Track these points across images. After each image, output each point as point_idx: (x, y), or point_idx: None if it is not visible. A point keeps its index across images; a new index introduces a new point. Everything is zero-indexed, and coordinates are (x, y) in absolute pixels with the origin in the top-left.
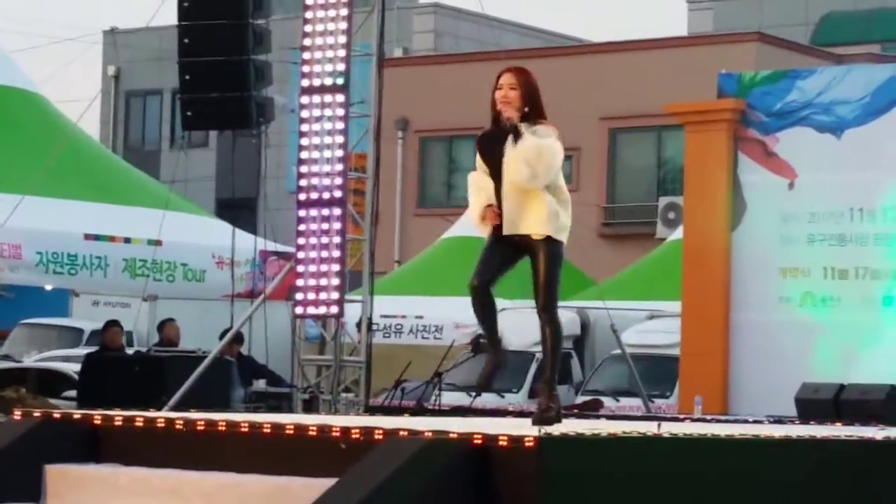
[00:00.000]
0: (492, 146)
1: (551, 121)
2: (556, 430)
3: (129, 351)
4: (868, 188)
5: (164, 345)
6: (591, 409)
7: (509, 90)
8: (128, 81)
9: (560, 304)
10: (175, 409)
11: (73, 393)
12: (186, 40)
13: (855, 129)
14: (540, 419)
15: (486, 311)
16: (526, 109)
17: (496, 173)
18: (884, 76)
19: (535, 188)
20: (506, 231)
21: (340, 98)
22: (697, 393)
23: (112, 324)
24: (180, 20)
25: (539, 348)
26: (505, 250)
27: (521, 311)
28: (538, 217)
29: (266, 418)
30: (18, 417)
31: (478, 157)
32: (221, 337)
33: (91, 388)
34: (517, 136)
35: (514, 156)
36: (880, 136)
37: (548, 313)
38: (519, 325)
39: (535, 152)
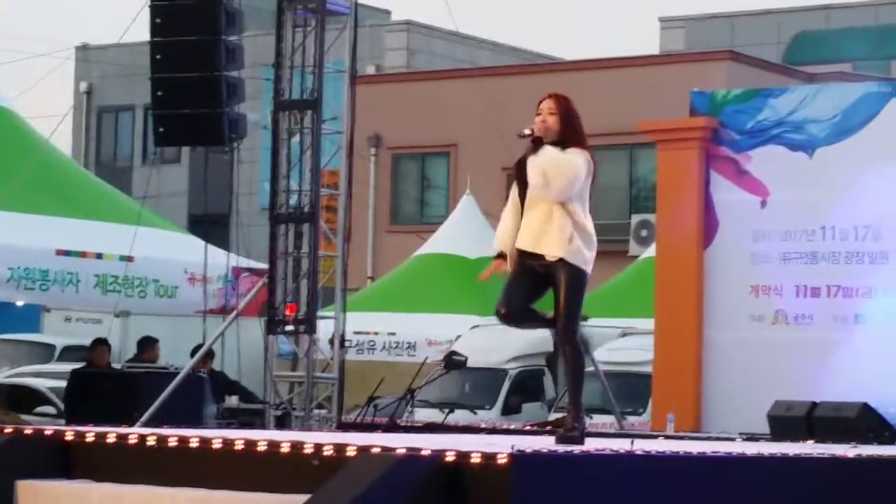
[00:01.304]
0: (522, 167)
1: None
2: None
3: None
4: (840, 206)
5: (142, 363)
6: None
7: (548, 115)
8: (100, 97)
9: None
10: (147, 425)
11: (45, 409)
12: (159, 56)
13: (827, 148)
14: (564, 438)
15: (524, 325)
16: (563, 133)
17: (523, 193)
18: (855, 95)
19: (554, 203)
20: (519, 245)
21: (313, 114)
22: (670, 410)
23: (99, 342)
24: (153, 36)
25: (512, 365)
26: (528, 280)
27: (493, 327)
28: (553, 239)
29: (238, 434)
30: None
31: (514, 185)
32: (193, 353)
33: (76, 403)
34: (538, 146)
35: (535, 165)
36: (852, 155)
37: (566, 337)
38: (491, 342)
39: (553, 163)
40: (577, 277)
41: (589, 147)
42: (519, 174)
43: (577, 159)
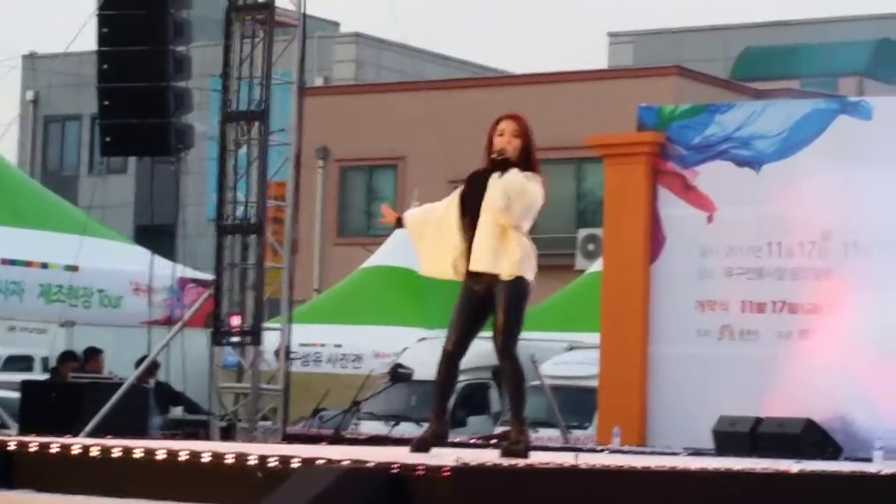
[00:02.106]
0: (478, 183)
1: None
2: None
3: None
4: (786, 222)
5: (87, 373)
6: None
7: (513, 137)
8: (46, 106)
9: (479, 335)
10: (91, 435)
11: None
12: (106, 66)
13: (773, 164)
14: (507, 451)
15: (447, 381)
16: (521, 158)
17: (474, 210)
18: (802, 111)
19: (508, 226)
20: (473, 267)
21: (260, 126)
22: (616, 424)
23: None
24: (100, 45)
25: (459, 378)
26: (473, 307)
27: (440, 340)
28: (511, 259)
29: (183, 445)
30: None
31: (456, 193)
32: (138, 364)
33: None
34: (506, 168)
35: (497, 185)
36: (798, 171)
37: (506, 352)
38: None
39: (518, 188)
40: (520, 295)
41: (540, 171)
42: (472, 188)
43: (539, 190)
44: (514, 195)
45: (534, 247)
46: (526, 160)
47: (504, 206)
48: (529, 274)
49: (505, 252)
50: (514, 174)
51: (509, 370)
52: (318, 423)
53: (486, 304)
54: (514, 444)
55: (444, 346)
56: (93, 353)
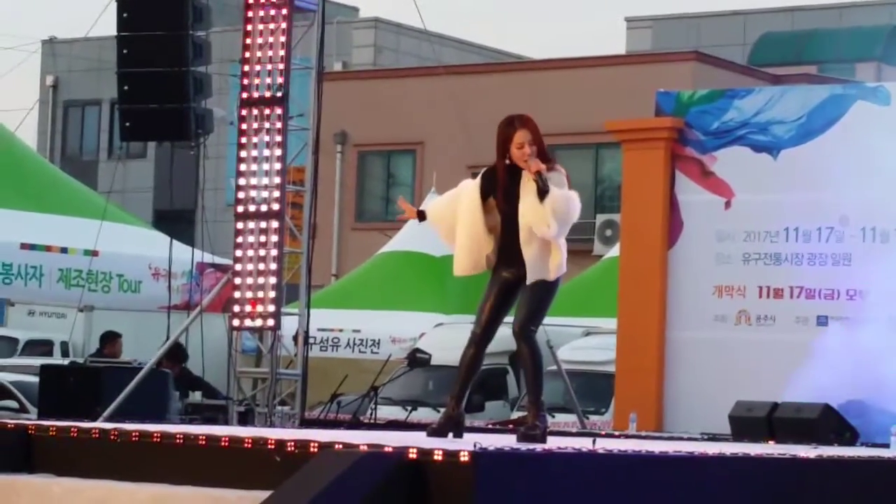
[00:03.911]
0: (493, 182)
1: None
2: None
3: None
4: (803, 208)
5: (104, 357)
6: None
7: (531, 146)
8: (66, 91)
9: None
10: (110, 420)
11: (7, 403)
12: (126, 51)
13: (791, 150)
14: (525, 436)
15: (471, 366)
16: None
17: (506, 216)
18: (820, 97)
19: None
20: (531, 279)
21: (279, 111)
22: (632, 410)
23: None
24: (120, 30)
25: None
26: (504, 292)
27: (457, 325)
28: (554, 264)
29: (201, 430)
30: None
31: (476, 187)
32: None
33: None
34: (545, 193)
35: (543, 211)
36: (816, 157)
37: (526, 335)
38: (455, 339)
39: (564, 209)
40: (554, 290)
41: (555, 160)
42: (491, 186)
43: (576, 196)
44: (562, 217)
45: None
46: (544, 159)
47: (556, 231)
48: (564, 270)
49: (549, 258)
50: (555, 195)
51: (528, 354)
52: (335, 408)
53: (516, 289)
54: (532, 430)
55: (473, 330)
56: (109, 338)
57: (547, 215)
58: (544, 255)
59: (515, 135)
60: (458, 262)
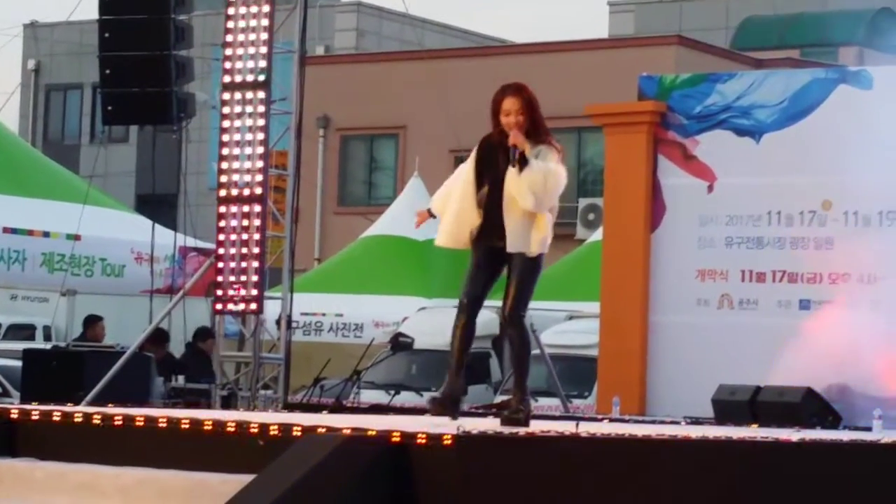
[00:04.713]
0: (495, 159)
1: (469, 120)
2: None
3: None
4: (786, 192)
5: (87, 341)
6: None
7: (518, 115)
8: (48, 75)
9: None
10: (93, 404)
11: None
12: (107, 35)
13: (773, 133)
14: (509, 420)
15: (464, 335)
16: (534, 131)
17: (493, 183)
18: (802, 81)
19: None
20: (510, 249)
21: (262, 95)
22: (615, 393)
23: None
24: (101, 14)
25: None
26: (490, 265)
27: (440, 309)
28: (537, 238)
29: (184, 414)
30: None
31: (472, 160)
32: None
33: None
34: (524, 164)
35: (520, 183)
36: (798, 141)
37: (516, 319)
38: (438, 323)
39: (541, 182)
40: (538, 269)
41: (550, 135)
42: (485, 155)
43: (559, 170)
44: (539, 191)
45: (555, 208)
46: (536, 132)
47: (535, 205)
48: (547, 248)
49: (533, 232)
50: (533, 168)
51: (516, 338)
52: (319, 392)
53: (501, 258)
54: (515, 413)
55: (460, 300)
56: (90, 321)
57: (522, 188)
58: (527, 227)
59: (503, 102)
60: (441, 231)
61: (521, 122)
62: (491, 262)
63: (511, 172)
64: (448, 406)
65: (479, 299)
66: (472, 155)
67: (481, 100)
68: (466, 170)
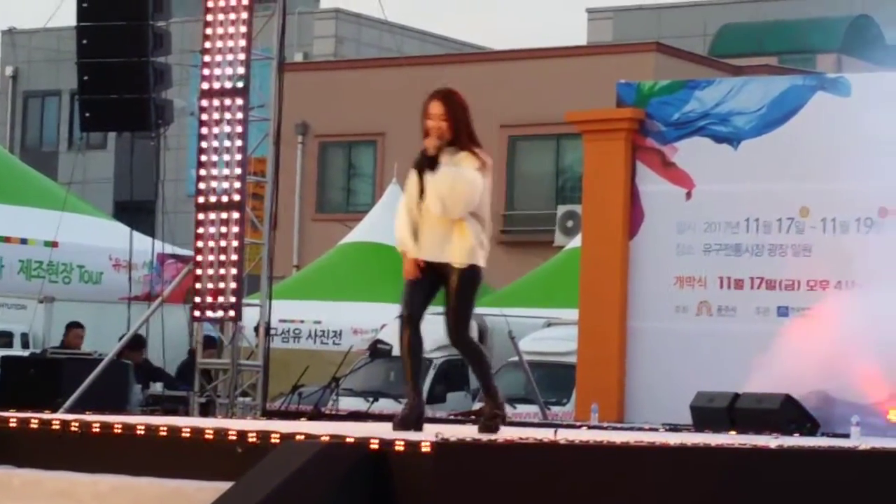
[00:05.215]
0: (419, 171)
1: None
2: (457, 435)
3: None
4: (764, 199)
5: (65, 349)
6: None
7: (440, 121)
8: (26, 82)
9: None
10: (71, 411)
11: None
12: (85, 41)
13: (752, 140)
14: (484, 426)
15: (413, 350)
16: (455, 136)
17: (423, 193)
18: (780, 88)
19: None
20: (425, 257)
21: (240, 101)
22: (594, 400)
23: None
24: (79, 21)
25: (437, 354)
26: (427, 280)
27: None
28: (461, 247)
29: (162, 421)
30: None
31: (412, 177)
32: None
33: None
34: (433, 167)
35: (430, 187)
36: (776, 148)
37: (459, 338)
38: None
39: (447, 186)
40: (472, 281)
41: (478, 145)
42: (419, 167)
43: (470, 175)
44: (446, 195)
45: (487, 228)
46: (457, 138)
47: (441, 210)
48: (481, 261)
49: (454, 241)
50: (441, 173)
51: (468, 353)
52: (297, 400)
53: (437, 278)
54: (491, 419)
55: (401, 315)
56: (69, 328)
57: (430, 192)
58: (445, 236)
59: (429, 106)
60: (395, 231)
61: (442, 127)
62: (427, 274)
63: (427, 178)
64: (411, 424)
65: (420, 312)
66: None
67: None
68: (411, 173)
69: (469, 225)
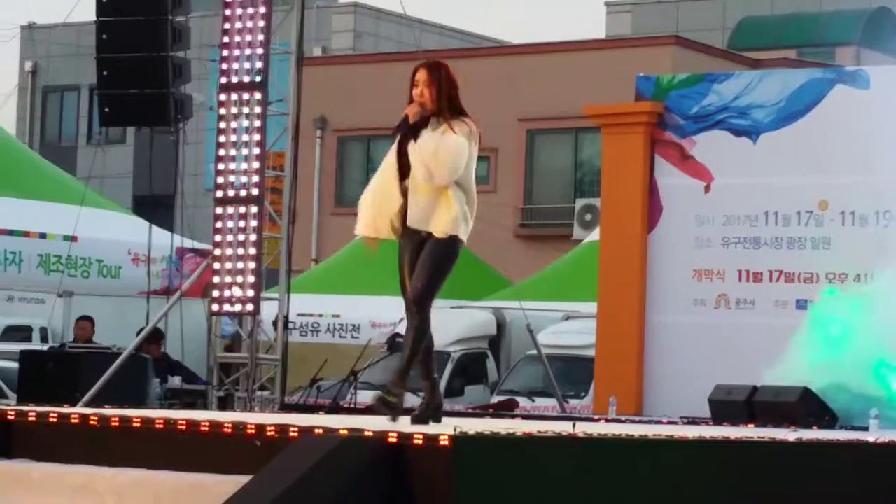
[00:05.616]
0: (400, 140)
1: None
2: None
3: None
4: (782, 191)
5: (77, 342)
6: (506, 409)
7: (425, 88)
8: (45, 77)
9: (476, 304)
10: (90, 405)
11: None
12: (105, 36)
13: (770, 133)
14: (417, 418)
15: (417, 338)
16: (440, 106)
17: (403, 167)
18: (799, 81)
19: (439, 186)
20: (410, 224)
21: (258, 96)
22: (612, 394)
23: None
24: (99, 16)
25: (455, 347)
26: (416, 256)
27: (437, 309)
28: (446, 217)
29: (181, 415)
30: None
31: (393, 149)
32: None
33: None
34: (415, 134)
35: (414, 154)
36: (795, 141)
37: (419, 307)
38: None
39: (431, 151)
40: (450, 254)
41: (465, 115)
42: (403, 139)
43: (455, 139)
44: (431, 161)
45: (472, 192)
46: (443, 107)
47: (426, 176)
48: (463, 234)
49: (440, 210)
50: (424, 138)
51: (415, 325)
52: (315, 393)
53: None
54: (425, 411)
55: (406, 301)
56: (77, 321)
57: (415, 158)
58: (431, 204)
59: (415, 74)
60: (359, 218)
61: (425, 94)
62: (415, 258)
63: (411, 147)
64: (428, 421)
65: None
66: (396, 143)
67: (479, 101)
68: (389, 156)
69: (455, 196)
